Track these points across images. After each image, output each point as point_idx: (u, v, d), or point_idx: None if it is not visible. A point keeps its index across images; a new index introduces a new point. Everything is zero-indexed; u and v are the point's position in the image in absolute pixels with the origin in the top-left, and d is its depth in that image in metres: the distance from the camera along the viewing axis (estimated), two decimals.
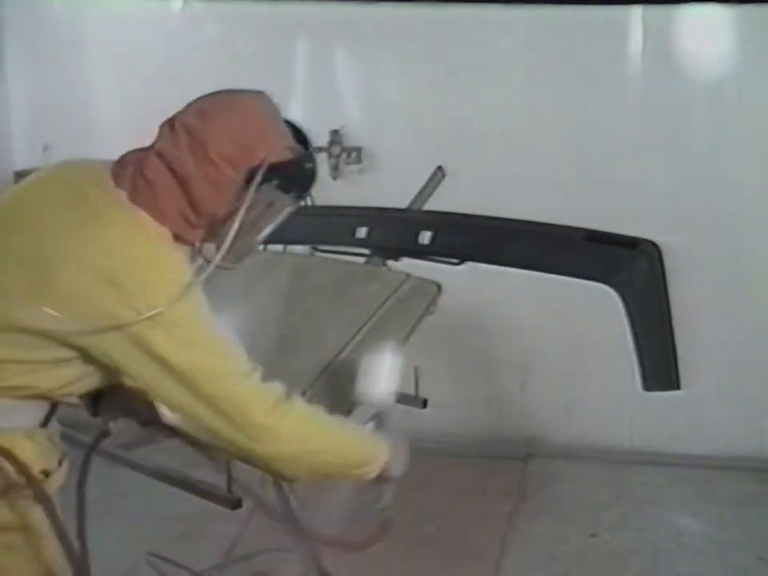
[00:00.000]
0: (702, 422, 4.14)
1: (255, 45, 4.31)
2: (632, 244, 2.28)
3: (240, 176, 1.71)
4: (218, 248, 1.74)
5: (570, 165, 4.10)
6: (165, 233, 1.71)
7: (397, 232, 2.50)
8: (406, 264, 2.51)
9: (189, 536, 3.47)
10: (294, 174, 1.79)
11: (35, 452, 1.76)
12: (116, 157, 1.83)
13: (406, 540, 3.49)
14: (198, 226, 1.75)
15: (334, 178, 4.33)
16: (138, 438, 2.34)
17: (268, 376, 1.75)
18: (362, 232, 2.55)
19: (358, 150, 4.30)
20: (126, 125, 4.27)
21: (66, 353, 1.67)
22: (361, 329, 2.24)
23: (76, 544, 1.96)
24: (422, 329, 2.25)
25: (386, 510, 2.02)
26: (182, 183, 1.71)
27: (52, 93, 4.39)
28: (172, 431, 1.80)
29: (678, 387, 2.25)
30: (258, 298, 2.50)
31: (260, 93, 1.81)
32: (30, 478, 1.74)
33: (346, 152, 4.31)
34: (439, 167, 2.74)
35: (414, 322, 2.26)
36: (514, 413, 4.39)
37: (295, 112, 4.36)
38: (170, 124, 1.77)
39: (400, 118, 4.24)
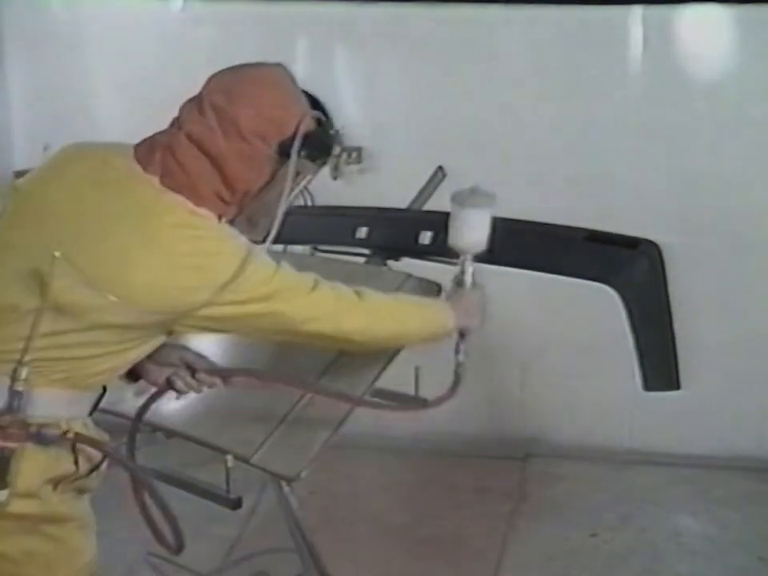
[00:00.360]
0: (702, 422, 4.14)
1: (255, 45, 4.30)
2: (632, 244, 2.27)
3: (272, 149, 1.75)
4: (250, 222, 1.81)
5: (570, 165, 4.10)
6: (207, 213, 1.73)
7: (397, 232, 2.50)
8: (406, 264, 2.50)
9: (189, 536, 3.47)
10: (320, 143, 1.89)
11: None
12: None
13: (406, 540, 3.50)
14: (231, 203, 1.77)
15: (334, 178, 4.32)
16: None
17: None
18: (361, 232, 2.54)
19: (358, 149, 4.30)
20: (126, 124, 4.27)
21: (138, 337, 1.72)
22: None
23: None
24: None
25: (463, 364, 2.26)
26: (216, 162, 1.72)
27: (52, 93, 4.39)
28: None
29: (677, 387, 2.25)
30: None
31: (279, 64, 1.90)
32: (109, 454, 1.85)
33: (346, 152, 4.30)
34: (439, 167, 2.74)
35: None
36: (514, 413, 4.39)
37: None
38: (197, 104, 1.78)
39: (400, 118, 4.24)
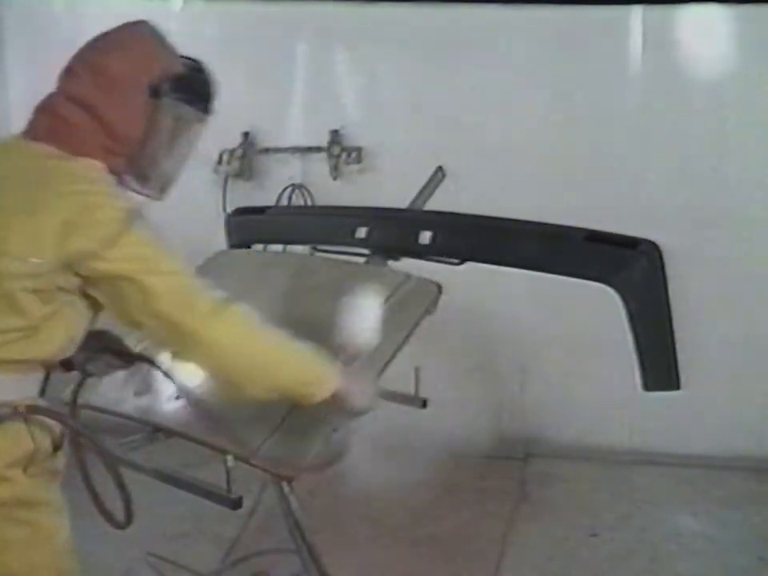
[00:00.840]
0: (702, 422, 4.15)
1: (255, 45, 4.31)
2: (632, 244, 2.27)
3: (143, 92, 1.85)
4: (141, 176, 1.90)
5: (571, 165, 4.10)
6: (95, 164, 1.82)
7: (397, 232, 2.49)
8: (406, 264, 2.50)
9: (189, 536, 3.48)
10: (192, 84, 1.94)
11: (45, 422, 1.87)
12: None
13: (406, 540, 3.50)
14: (118, 154, 1.85)
15: (334, 178, 4.34)
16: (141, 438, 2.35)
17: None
18: (361, 232, 2.54)
19: (358, 149, 4.30)
20: None
21: (52, 306, 1.78)
22: None
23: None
24: (421, 329, 2.25)
25: (342, 441, 2.05)
26: (94, 113, 1.81)
27: None
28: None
29: (677, 387, 2.24)
30: (258, 298, 2.50)
31: (142, 21, 2.04)
32: (72, 429, 1.91)
33: (346, 152, 4.31)
34: (439, 167, 2.73)
35: (414, 321, 2.26)
36: (514, 413, 4.40)
37: (295, 112, 4.39)
38: (68, 68, 1.89)
39: (400, 118, 4.24)
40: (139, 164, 1.89)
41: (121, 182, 1.89)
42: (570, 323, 4.20)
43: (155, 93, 1.86)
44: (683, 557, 3.41)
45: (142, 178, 1.91)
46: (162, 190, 1.96)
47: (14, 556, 1.84)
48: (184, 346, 1.85)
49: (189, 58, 2.00)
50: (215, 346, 1.82)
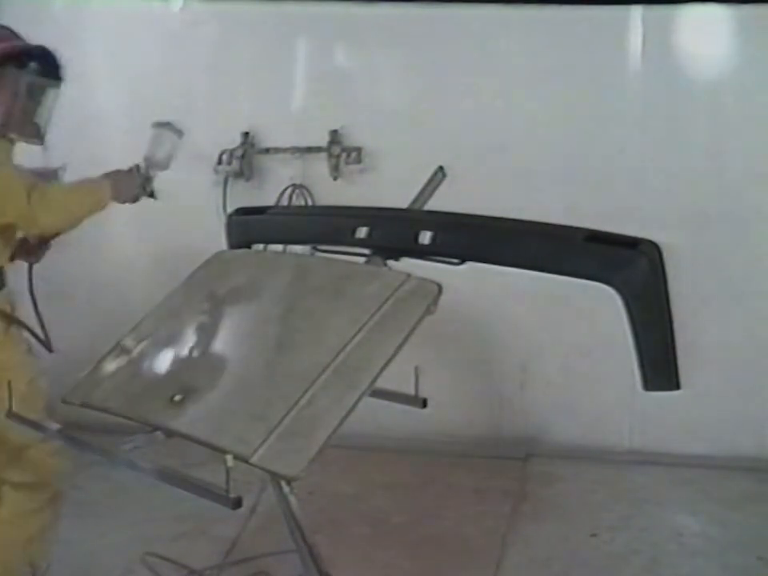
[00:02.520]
0: (702, 422, 4.15)
1: (255, 45, 4.31)
2: (632, 244, 2.26)
3: None
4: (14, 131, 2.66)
5: (571, 164, 4.10)
6: None
7: (397, 232, 2.49)
8: (406, 264, 2.50)
9: (189, 536, 3.48)
10: (35, 58, 2.68)
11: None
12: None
13: (406, 540, 3.50)
14: None
15: (334, 178, 4.34)
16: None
17: None
18: (361, 232, 2.53)
19: (358, 149, 4.30)
20: (126, 123, 4.28)
21: None
22: (361, 329, 2.23)
23: None
24: (422, 329, 2.25)
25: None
26: None
27: None
28: None
29: (678, 387, 2.24)
30: (258, 297, 2.50)
31: None
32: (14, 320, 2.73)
33: (346, 152, 4.31)
34: (439, 167, 2.73)
35: (415, 321, 2.25)
36: (514, 413, 4.40)
37: (295, 112, 4.39)
38: None
39: (400, 118, 4.24)
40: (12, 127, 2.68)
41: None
42: (569, 323, 4.21)
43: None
44: (683, 557, 3.41)
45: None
46: (39, 134, 2.80)
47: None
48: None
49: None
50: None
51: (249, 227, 2.85)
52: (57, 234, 2.82)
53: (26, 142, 2.74)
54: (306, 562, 2.24)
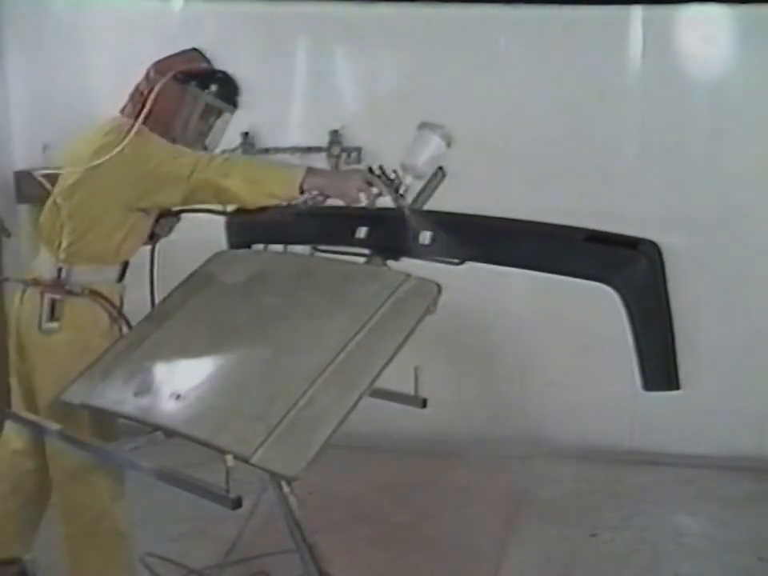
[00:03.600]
0: (702, 422, 4.15)
1: (255, 45, 4.31)
2: (632, 244, 2.26)
3: (173, 82, 2.69)
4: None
5: (571, 164, 4.10)
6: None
7: (397, 232, 2.49)
8: (406, 264, 2.50)
9: (189, 536, 3.48)
10: (216, 81, 2.77)
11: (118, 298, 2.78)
12: None
13: (406, 540, 3.50)
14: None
15: None
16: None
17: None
18: (361, 232, 2.54)
19: (358, 150, 4.30)
20: None
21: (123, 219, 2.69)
22: (361, 329, 2.23)
23: None
24: (421, 329, 2.25)
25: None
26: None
27: (52, 93, 4.39)
28: None
29: (677, 387, 2.24)
30: (258, 297, 2.50)
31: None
32: (119, 313, 2.75)
33: (346, 152, 4.31)
34: (439, 167, 2.73)
35: (414, 321, 2.26)
36: (514, 413, 4.40)
37: (295, 112, 4.39)
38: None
39: (400, 118, 4.23)
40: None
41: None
42: (569, 323, 4.20)
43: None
44: (683, 557, 3.41)
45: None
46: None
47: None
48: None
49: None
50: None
51: (249, 227, 2.85)
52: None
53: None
54: (306, 562, 2.24)
